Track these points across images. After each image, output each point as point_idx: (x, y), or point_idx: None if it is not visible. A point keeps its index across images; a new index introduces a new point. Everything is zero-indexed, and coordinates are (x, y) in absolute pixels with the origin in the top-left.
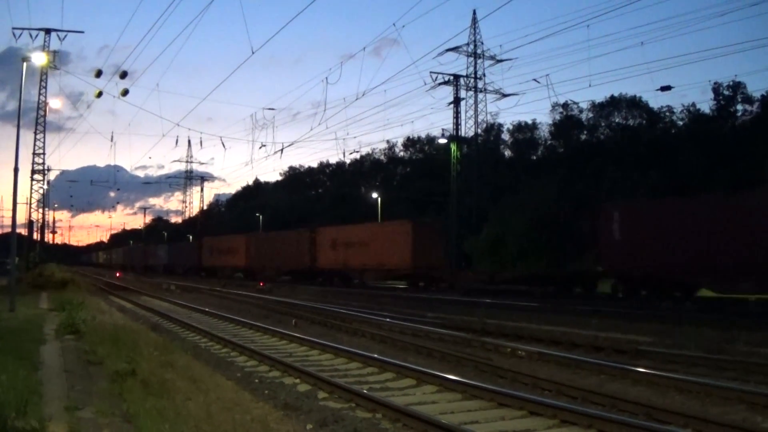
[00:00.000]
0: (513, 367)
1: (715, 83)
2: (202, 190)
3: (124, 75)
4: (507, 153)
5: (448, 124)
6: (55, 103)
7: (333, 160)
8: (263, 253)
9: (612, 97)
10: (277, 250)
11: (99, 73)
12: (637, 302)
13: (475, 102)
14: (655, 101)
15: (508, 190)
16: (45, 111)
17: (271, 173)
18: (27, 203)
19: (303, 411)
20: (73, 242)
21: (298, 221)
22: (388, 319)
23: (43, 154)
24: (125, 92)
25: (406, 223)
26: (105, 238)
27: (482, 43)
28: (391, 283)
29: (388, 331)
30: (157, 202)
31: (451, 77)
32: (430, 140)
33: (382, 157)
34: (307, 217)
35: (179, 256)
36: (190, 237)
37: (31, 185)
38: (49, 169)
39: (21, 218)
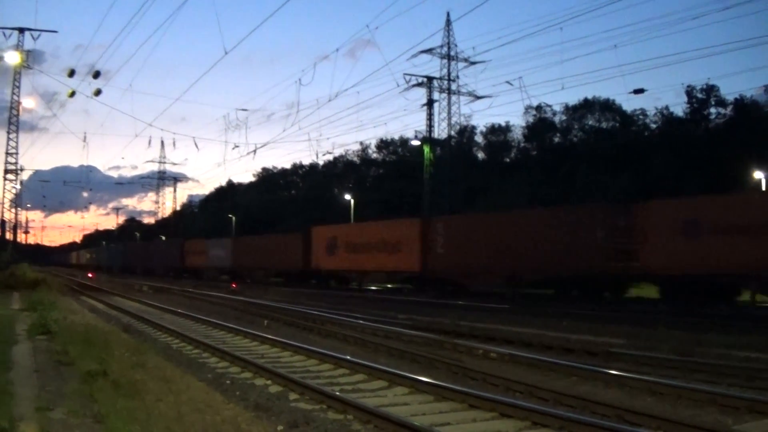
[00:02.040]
0: (484, 368)
1: (688, 86)
2: (175, 190)
3: (97, 75)
4: (480, 155)
5: (422, 126)
6: (28, 102)
7: (306, 162)
8: (469, 247)
9: (585, 99)
10: (510, 242)
11: (72, 73)
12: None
13: (449, 104)
14: (629, 104)
15: (481, 191)
16: (18, 110)
17: (244, 174)
18: (0, 203)
19: (274, 412)
20: (46, 242)
21: (272, 223)
22: (360, 321)
23: (16, 153)
24: (98, 92)
25: None
26: (78, 239)
27: (456, 45)
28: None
29: (360, 333)
30: (131, 202)
31: (425, 79)
32: (404, 142)
33: (356, 159)
34: (279, 218)
35: (257, 254)
36: (163, 237)
37: (4, 185)
38: (22, 169)
39: None
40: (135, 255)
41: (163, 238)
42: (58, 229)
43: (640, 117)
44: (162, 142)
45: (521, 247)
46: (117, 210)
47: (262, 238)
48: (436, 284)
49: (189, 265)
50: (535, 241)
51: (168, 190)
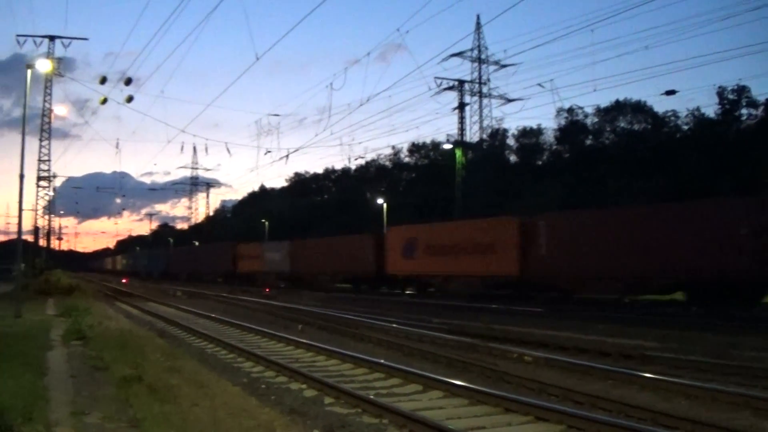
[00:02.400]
0: (519, 372)
1: (719, 87)
2: (207, 196)
3: (128, 81)
4: (512, 158)
5: (453, 130)
6: (60, 110)
7: (338, 166)
8: (579, 248)
9: (617, 101)
10: (631, 242)
11: (104, 80)
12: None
13: (480, 107)
14: (660, 105)
15: (514, 195)
16: (50, 118)
17: (277, 179)
18: (33, 210)
19: (309, 416)
20: (79, 248)
21: (305, 228)
22: (394, 325)
23: (49, 160)
24: (130, 99)
25: None
26: (111, 244)
27: (486, 48)
28: None
29: (394, 337)
30: (164, 208)
31: (456, 82)
32: (435, 145)
33: (387, 163)
34: (312, 223)
35: (320, 258)
36: (196, 243)
37: (37, 192)
38: (54, 176)
39: (27, 225)
40: (180, 260)
41: (196, 243)
42: (92, 235)
43: (672, 118)
44: (194, 148)
45: (645, 248)
46: (150, 216)
47: (326, 241)
48: (539, 290)
49: (242, 270)
50: (662, 241)
51: (201, 196)
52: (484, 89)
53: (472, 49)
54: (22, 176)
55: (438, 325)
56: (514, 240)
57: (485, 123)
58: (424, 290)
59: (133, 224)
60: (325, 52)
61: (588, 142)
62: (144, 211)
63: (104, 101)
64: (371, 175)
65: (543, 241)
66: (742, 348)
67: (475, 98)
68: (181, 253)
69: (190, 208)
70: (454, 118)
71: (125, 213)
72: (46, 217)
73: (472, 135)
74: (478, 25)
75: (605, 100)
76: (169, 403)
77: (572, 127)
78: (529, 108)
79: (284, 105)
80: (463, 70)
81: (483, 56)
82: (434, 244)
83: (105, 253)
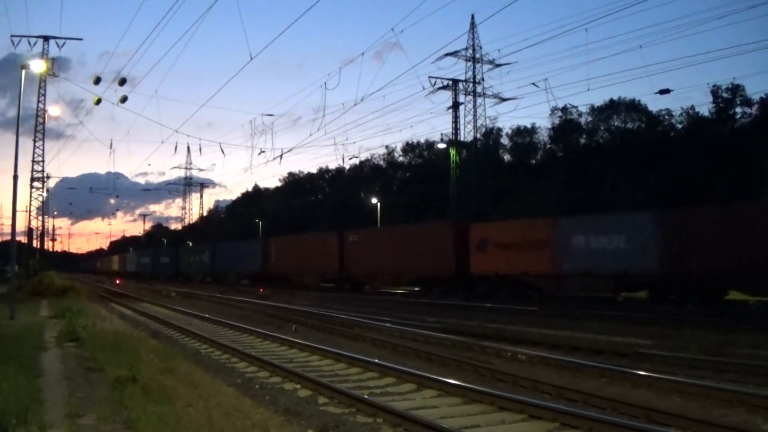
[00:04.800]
0: (513, 370)
1: (713, 86)
2: (201, 196)
3: (123, 82)
4: (506, 157)
5: (448, 129)
6: (54, 110)
7: (332, 166)
8: None
9: (611, 100)
10: None
11: (98, 80)
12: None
13: (474, 106)
14: (654, 104)
15: (508, 194)
16: (44, 118)
17: (271, 179)
18: (26, 211)
19: (304, 416)
20: (73, 249)
21: (298, 228)
22: (388, 324)
23: (43, 161)
24: (124, 99)
25: None
26: (105, 245)
27: (481, 48)
28: None
29: (388, 336)
30: (158, 208)
31: (450, 82)
32: (430, 145)
33: (382, 162)
34: (306, 223)
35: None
36: (190, 243)
37: (31, 193)
38: (48, 177)
39: (21, 226)
40: (297, 255)
41: (190, 243)
42: (85, 236)
43: (666, 117)
44: (188, 148)
45: None
46: (144, 216)
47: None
48: None
49: (486, 270)
50: None
51: (195, 196)
52: (478, 88)
53: (466, 49)
54: (15, 177)
55: (433, 325)
56: None
57: (479, 122)
58: None
59: (127, 225)
60: (319, 51)
61: (582, 141)
62: (138, 211)
63: (98, 102)
64: (365, 174)
65: None
66: (736, 345)
67: (469, 97)
68: (303, 244)
69: (183, 208)
70: (448, 117)
71: (119, 214)
72: (40, 218)
73: (466, 134)
74: (473, 25)
75: (599, 99)
76: (163, 403)
77: (566, 126)
78: (523, 107)
79: (278, 105)
80: (458, 69)
81: (477, 55)
82: None
83: (99, 253)
